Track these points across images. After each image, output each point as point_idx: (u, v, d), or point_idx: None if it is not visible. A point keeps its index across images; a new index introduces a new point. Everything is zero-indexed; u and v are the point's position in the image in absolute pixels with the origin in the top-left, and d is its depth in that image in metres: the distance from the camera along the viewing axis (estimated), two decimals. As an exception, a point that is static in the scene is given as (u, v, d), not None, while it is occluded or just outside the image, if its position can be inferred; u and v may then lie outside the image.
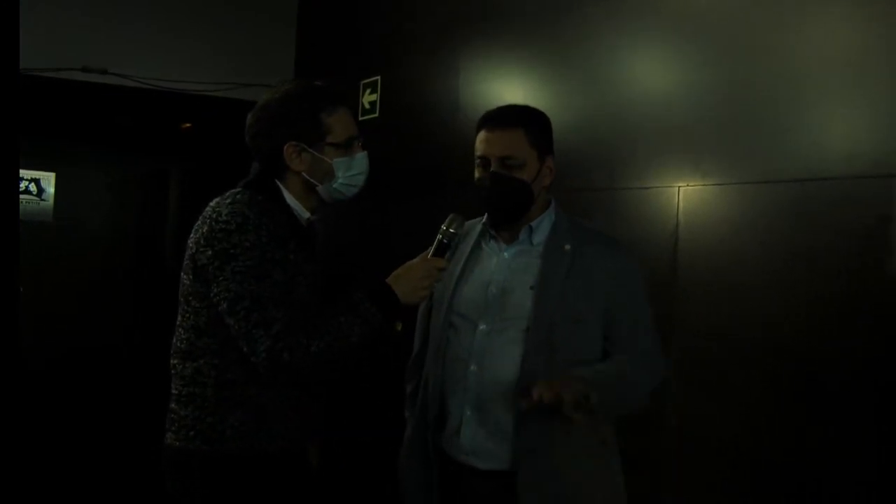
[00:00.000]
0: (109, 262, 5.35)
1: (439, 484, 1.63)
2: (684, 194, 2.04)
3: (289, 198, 1.56)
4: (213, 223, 1.45)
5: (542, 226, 1.63)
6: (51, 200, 5.18)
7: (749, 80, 1.91)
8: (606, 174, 2.26)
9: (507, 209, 1.60)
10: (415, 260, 1.55)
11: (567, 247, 1.58)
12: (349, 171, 1.57)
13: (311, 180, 1.56)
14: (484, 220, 1.70)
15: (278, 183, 1.56)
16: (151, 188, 5.44)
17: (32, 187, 5.11)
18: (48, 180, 5.16)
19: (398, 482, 1.74)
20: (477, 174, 1.62)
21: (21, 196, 4.71)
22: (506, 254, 1.65)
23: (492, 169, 1.58)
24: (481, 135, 1.61)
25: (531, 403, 1.37)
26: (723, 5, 2.00)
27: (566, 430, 1.48)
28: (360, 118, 3.51)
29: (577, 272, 1.55)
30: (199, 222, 1.51)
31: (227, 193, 1.52)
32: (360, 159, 1.60)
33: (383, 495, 2.70)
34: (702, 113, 2.02)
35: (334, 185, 1.57)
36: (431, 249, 1.55)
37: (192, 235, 1.51)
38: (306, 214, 1.60)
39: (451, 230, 1.55)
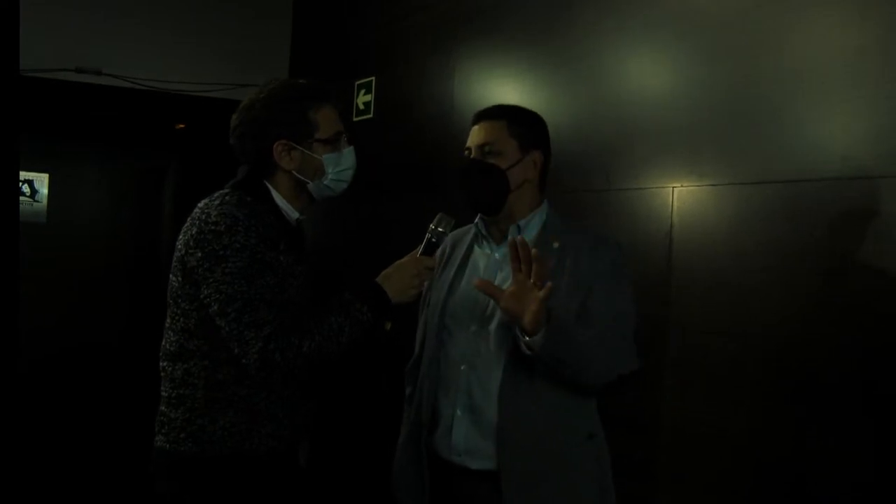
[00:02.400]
0: (104, 265, 5.33)
1: (433, 485, 1.63)
2: (679, 195, 2.04)
3: (278, 198, 1.56)
4: (203, 225, 1.44)
5: (532, 224, 1.63)
6: (44, 202, 5.15)
7: (744, 81, 1.91)
8: (602, 175, 2.26)
9: (482, 193, 1.61)
10: (404, 259, 1.56)
11: (556, 244, 1.58)
12: (338, 167, 1.58)
13: (302, 178, 1.56)
14: (476, 221, 1.70)
15: (267, 183, 1.56)
16: (146, 189, 5.42)
17: (26, 188, 5.08)
18: (41, 181, 5.14)
19: (392, 483, 1.73)
20: None
21: (15, 197, 4.68)
22: (497, 255, 1.65)
23: (472, 157, 1.62)
24: (471, 130, 1.65)
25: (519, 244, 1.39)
26: (719, 7, 2.00)
27: (551, 427, 1.49)
28: (355, 119, 3.50)
29: (565, 269, 1.55)
30: (187, 224, 1.50)
31: (216, 195, 1.51)
32: (348, 154, 1.60)
33: (374, 495, 2.69)
34: (697, 114, 2.02)
35: (325, 182, 1.57)
36: (420, 248, 1.56)
37: (180, 237, 1.50)
38: (295, 214, 1.60)
39: (440, 229, 1.57)
